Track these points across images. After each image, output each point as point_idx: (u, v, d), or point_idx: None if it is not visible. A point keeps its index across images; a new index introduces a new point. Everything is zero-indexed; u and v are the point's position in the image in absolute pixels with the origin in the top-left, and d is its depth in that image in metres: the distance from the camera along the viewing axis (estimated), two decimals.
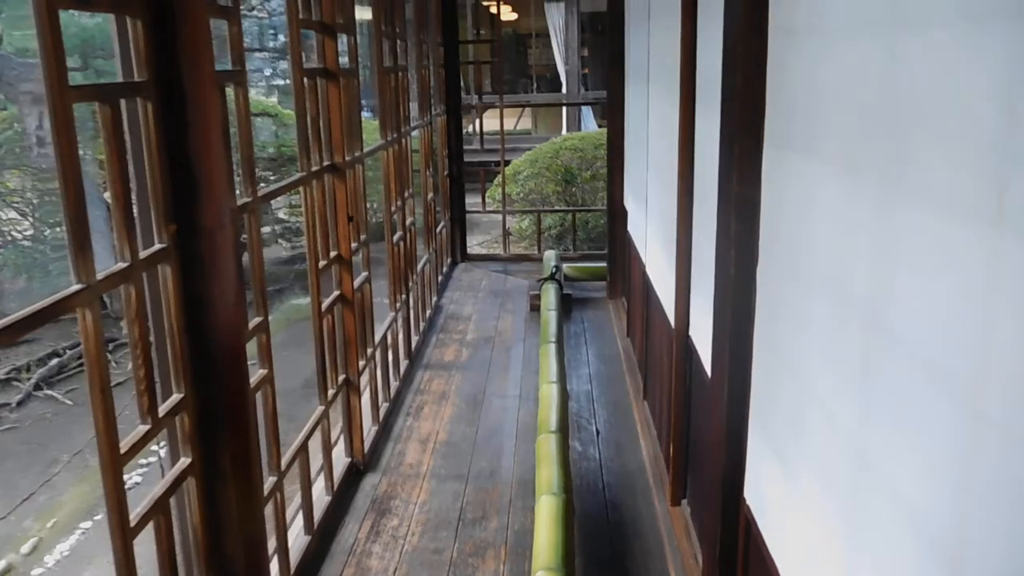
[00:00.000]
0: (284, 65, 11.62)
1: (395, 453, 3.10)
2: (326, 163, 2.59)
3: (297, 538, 2.40)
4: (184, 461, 1.63)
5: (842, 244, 1.13)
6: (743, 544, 1.67)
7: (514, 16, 13.45)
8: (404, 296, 3.90)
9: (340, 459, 2.87)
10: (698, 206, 2.25)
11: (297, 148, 2.41)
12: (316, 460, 2.58)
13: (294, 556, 2.27)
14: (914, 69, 0.91)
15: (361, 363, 2.95)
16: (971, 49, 0.79)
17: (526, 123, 13.99)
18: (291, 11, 2.29)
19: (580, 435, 3.24)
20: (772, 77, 1.45)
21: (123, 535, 1.37)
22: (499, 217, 6.53)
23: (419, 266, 4.42)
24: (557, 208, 7.22)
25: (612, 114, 4.77)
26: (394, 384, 3.57)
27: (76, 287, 1.28)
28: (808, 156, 1.27)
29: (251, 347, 1.89)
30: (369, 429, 3.13)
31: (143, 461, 4.40)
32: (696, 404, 2.38)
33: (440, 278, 5.27)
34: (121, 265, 1.42)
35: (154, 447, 3.86)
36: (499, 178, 6.49)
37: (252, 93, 2.12)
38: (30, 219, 7.19)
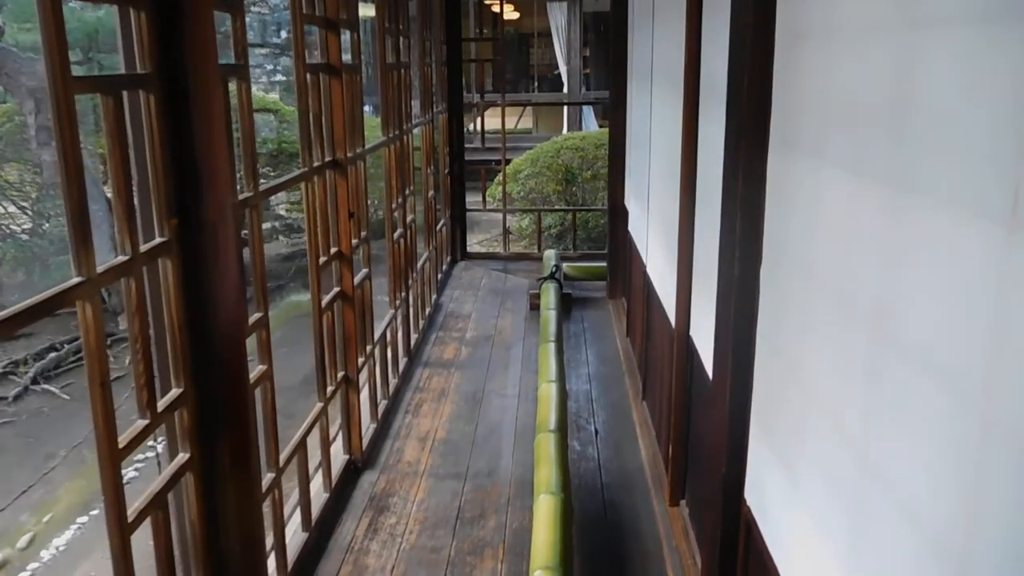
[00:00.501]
0: (286, 61, 11.61)
1: (393, 451, 3.09)
2: (328, 159, 2.58)
3: (295, 535, 2.39)
4: (182, 456, 1.63)
5: (848, 246, 1.13)
6: (743, 546, 1.67)
7: (517, 15, 13.45)
8: (404, 293, 3.89)
9: (338, 456, 2.86)
10: (700, 206, 2.25)
11: (299, 144, 2.41)
12: (314, 457, 2.58)
13: (291, 553, 2.27)
14: (924, 70, 0.90)
15: (360, 360, 2.94)
16: (983, 50, 0.79)
17: (527, 122, 13.98)
18: (295, 6, 2.28)
19: (579, 435, 3.23)
20: (779, 77, 1.45)
21: (121, 530, 1.37)
22: (499, 216, 6.53)
23: (419, 264, 4.42)
24: (557, 207, 7.22)
25: (614, 114, 4.77)
26: (393, 382, 3.57)
27: (76, 280, 1.27)
28: (815, 157, 1.26)
29: (250, 343, 1.88)
30: (368, 426, 3.12)
31: (140, 456, 4.39)
32: (696, 405, 2.37)
33: (440, 276, 5.26)
34: (122, 258, 1.41)
35: (152, 442, 3.85)
36: (500, 177, 6.48)
37: (254, 89, 2.11)
38: (29, 213, 7.17)
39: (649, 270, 3.38)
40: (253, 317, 1.96)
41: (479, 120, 7.24)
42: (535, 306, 4.65)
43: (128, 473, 4.25)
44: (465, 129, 6.20)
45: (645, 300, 3.50)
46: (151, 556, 1.55)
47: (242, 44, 1.87)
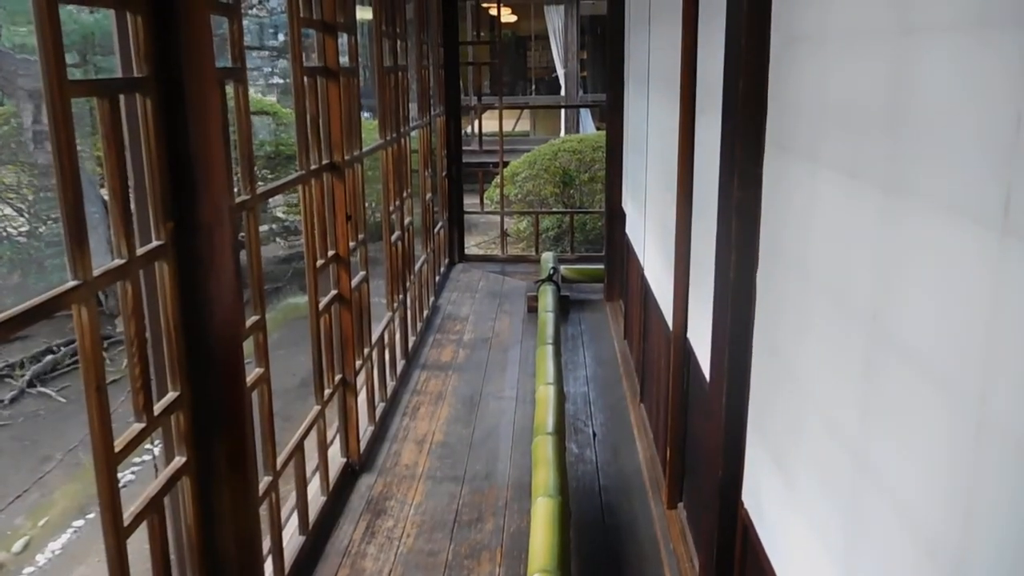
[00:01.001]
0: (283, 64, 11.61)
1: (391, 454, 3.09)
2: (325, 162, 2.58)
3: (292, 538, 2.38)
4: (179, 460, 1.62)
5: (844, 249, 1.13)
6: (740, 548, 1.67)
7: (514, 18, 13.47)
8: (401, 296, 3.89)
9: (336, 459, 2.86)
10: (697, 210, 2.25)
11: (296, 146, 2.41)
12: (311, 460, 2.57)
13: (288, 556, 2.26)
14: (918, 74, 0.91)
15: (358, 363, 2.94)
16: (977, 54, 0.79)
17: (524, 125, 14.00)
18: (292, 9, 2.28)
19: (577, 437, 3.23)
20: (774, 81, 1.45)
21: (116, 534, 1.36)
22: (497, 218, 6.53)
23: (417, 266, 4.42)
24: (555, 210, 7.22)
25: (611, 117, 4.77)
26: (391, 384, 3.56)
27: (72, 283, 1.27)
28: (810, 160, 1.27)
29: (247, 346, 1.88)
30: (365, 429, 3.12)
31: (136, 459, 4.38)
32: (694, 407, 2.38)
33: (438, 278, 5.26)
34: (118, 261, 1.41)
35: (148, 445, 3.84)
36: (497, 179, 6.49)
37: (251, 91, 2.11)
38: (26, 215, 7.16)
39: (646, 272, 3.38)
40: (250, 320, 1.96)
41: (476, 123, 7.24)
42: (533, 308, 4.65)
43: (124, 476, 4.23)
44: (463, 132, 6.20)
45: (642, 302, 3.50)
46: (147, 560, 1.55)
47: (239, 47, 1.87)
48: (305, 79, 2.41)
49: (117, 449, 1.37)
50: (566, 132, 11.64)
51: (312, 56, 2.64)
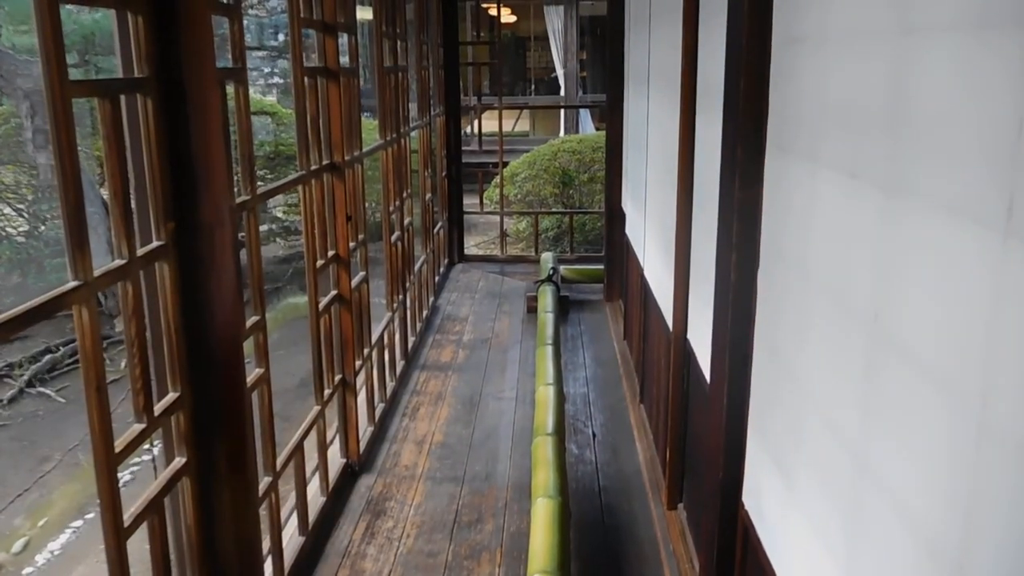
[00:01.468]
0: (283, 64, 11.61)
1: (391, 454, 3.09)
2: (325, 162, 2.58)
3: (291, 539, 2.38)
4: (179, 460, 1.62)
5: (845, 249, 1.13)
6: (741, 549, 1.67)
7: (514, 18, 13.47)
8: (401, 296, 3.89)
9: (335, 460, 2.86)
10: (697, 210, 2.25)
11: (296, 147, 2.40)
12: (311, 460, 2.57)
13: (288, 557, 2.26)
14: (919, 74, 0.91)
15: (358, 363, 2.94)
16: (978, 55, 0.79)
17: (524, 125, 14.00)
18: (293, 9, 2.28)
19: (576, 438, 3.23)
20: (775, 81, 1.45)
21: (116, 535, 1.36)
22: (497, 218, 6.53)
23: (416, 266, 4.42)
24: (555, 210, 7.22)
25: (611, 117, 4.77)
26: (390, 385, 3.56)
27: (73, 283, 1.27)
28: (811, 160, 1.27)
29: (247, 346, 1.88)
30: (365, 430, 3.12)
31: (136, 460, 4.38)
32: (694, 408, 2.37)
33: (437, 279, 5.26)
34: (119, 262, 1.41)
35: (148, 446, 3.84)
36: (497, 179, 6.49)
37: (251, 91, 2.11)
38: (25, 215, 7.15)
39: (646, 273, 3.38)
40: (250, 320, 1.96)
41: (476, 123, 7.25)
42: (532, 309, 4.65)
43: (124, 477, 4.23)
44: (462, 132, 6.20)
45: (642, 303, 3.50)
46: (147, 560, 1.55)
47: (240, 47, 1.87)
48: (305, 79, 2.41)
49: (117, 450, 1.37)
50: (566, 132, 11.64)
51: (312, 56, 2.64)
